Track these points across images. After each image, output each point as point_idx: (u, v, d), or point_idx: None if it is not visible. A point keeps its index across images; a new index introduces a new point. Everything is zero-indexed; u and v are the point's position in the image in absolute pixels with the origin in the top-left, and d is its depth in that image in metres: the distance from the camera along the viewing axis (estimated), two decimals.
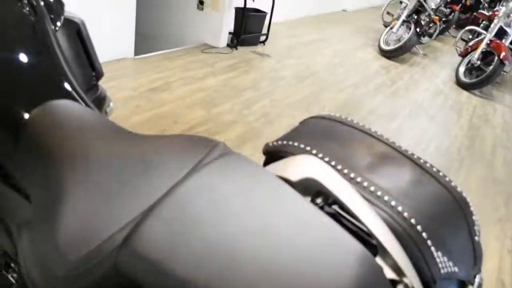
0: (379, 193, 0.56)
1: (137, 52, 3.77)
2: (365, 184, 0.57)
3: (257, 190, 0.53)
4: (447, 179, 0.61)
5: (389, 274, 0.51)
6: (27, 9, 0.86)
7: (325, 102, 3.57)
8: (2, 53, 0.80)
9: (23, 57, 0.81)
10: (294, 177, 0.58)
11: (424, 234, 0.53)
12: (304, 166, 0.59)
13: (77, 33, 1.12)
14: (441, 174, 0.62)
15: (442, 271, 0.53)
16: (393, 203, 0.55)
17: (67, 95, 0.83)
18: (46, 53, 0.86)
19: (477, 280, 0.58)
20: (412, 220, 0.53)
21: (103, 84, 3.14)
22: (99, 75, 1.22)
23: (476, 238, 0.59)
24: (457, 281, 0.56)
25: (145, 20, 4.56)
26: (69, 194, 0.61)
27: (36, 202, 0.67)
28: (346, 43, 5.87)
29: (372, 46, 5.88)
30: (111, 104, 1.36)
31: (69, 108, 0.79)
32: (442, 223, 0.56)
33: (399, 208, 0.54)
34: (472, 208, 0.61)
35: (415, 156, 0.64)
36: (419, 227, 0.53)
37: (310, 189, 0.57)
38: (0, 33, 0.81)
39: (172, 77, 3.45)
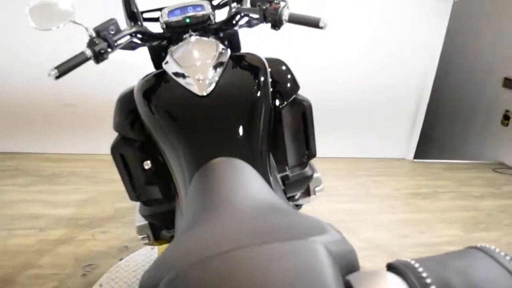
0: None
1: (418, 154, 3.74)
2: None
3: None
4: None
5: None
6: (255, 87, 1.08)
7: None
8: (220, 111, 1.04)
9: (231, 119, 1.04)
10: None
11: None
12: None
13: (302, 113, 1.27)
14: None
15: None
16: None
17: (246, 158, 0.97)
18: (251, 120, 1.05)
19: None
20: None
21: (372, 175, 3.24)
22: (311, 155, 1.33)
23: None
24: None
25: (435, 124, 4.50)
26: (202, 230, 0.71)
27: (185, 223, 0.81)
28: None
29: None
30: (322, 185, 1.48)
31: (240, 168, 0.93)
32: None
33: None
34: None
35: None
36: None
37: None
38: (223, 97, 1.05)
39: (443, 188, 3.25)
